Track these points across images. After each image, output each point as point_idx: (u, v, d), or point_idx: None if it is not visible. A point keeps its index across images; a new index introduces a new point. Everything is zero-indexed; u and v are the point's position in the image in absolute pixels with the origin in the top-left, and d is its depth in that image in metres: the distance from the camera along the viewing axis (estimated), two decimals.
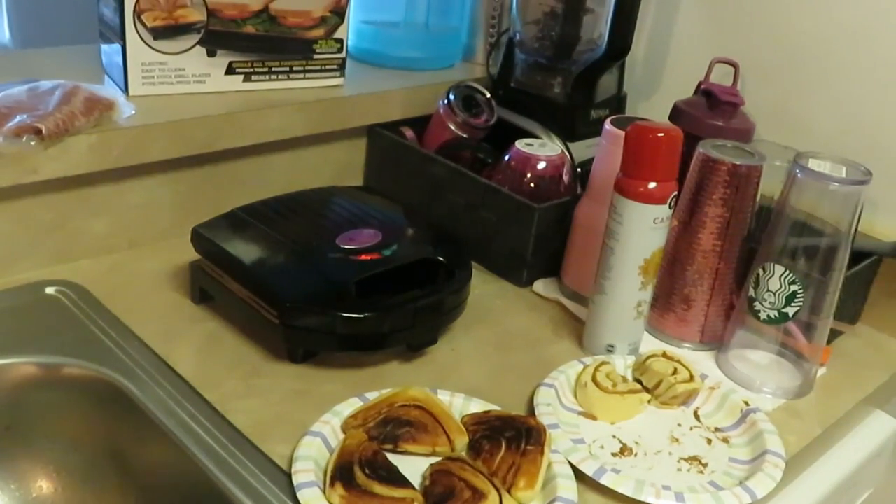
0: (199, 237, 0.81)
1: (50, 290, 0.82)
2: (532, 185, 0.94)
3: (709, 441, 0.74)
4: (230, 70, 0.95)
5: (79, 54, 1.01)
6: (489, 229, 0.95)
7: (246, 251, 0.79)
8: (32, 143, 0.78)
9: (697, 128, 0.90)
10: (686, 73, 1.03)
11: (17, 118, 0.78)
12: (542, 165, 0.94)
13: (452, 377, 0.78)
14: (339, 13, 0.99)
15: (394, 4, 1.17)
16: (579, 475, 0.66)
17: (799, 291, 0.77)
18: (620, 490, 0.65)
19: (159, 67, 0.91)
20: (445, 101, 1.04)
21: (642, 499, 0.64)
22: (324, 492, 0.61)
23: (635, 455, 0.71)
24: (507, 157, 0.96)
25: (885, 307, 0.94)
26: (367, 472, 0.61)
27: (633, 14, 0.99)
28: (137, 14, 0.88)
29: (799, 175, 0.76)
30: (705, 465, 0.70)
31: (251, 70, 0.96)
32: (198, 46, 0.92)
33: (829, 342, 0.83)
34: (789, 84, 0.99)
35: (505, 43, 1.11)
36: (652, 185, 0.75)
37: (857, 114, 0.95)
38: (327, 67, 1.02)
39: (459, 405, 0.72)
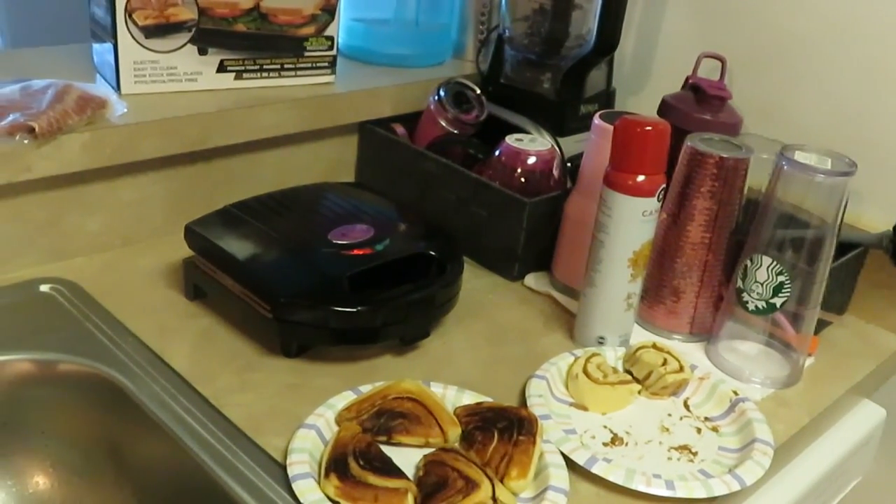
0: (193, 234, 0.82)
1: (44, 288, 0.83)
2: (522, 179, 0.95)
3: (698, 430, 0.74)
4: (221, 68, 0.96)
5: (70, 53, 1.02)
6: (480, 224, 0.96)
7: (239, 247, 0.80)
8: (26, 141, 0.78)
9: (685, 122, 0.91)
10: (674, 68, 1.04)
11: (11, 117, 0.79)
12: (532, 160, 0.95)
13: (445, 370, 0.79)
14: (330, 11, 1.00)
15: (384, 2, 1.17)
16: (571, 464, 0.67)
17: (786, 282, 0.78)
18: (611, 479, 0.66)
19: (151, 66, 0.92)
20: (436, 98, 1.05)
21: (633, 487, 0.65)
22: (318, 483, 0.62)
23: (626, 444, 0.72)
24: (497, 153, 0.97)
25: (871, 298, 0.95)
26: (361, 463, 0.62)
27: (621, 10, 1.00)
28: (129, 13, 0.88)
29: (785, 167, 0.77)
30: (695, 454, 0.71)
31: (242, 68, 0.97)
32: (189, 45, 0.93)
33: (816, 332, 0.84)
34: (776, 78, 1.00)
35: (494, 39, 1.11)
36: (640, 178, 0.76)
37: (843, 107, 0.96)
38: (318, 65, 1.02)
39: (452, 397, 0.73)
